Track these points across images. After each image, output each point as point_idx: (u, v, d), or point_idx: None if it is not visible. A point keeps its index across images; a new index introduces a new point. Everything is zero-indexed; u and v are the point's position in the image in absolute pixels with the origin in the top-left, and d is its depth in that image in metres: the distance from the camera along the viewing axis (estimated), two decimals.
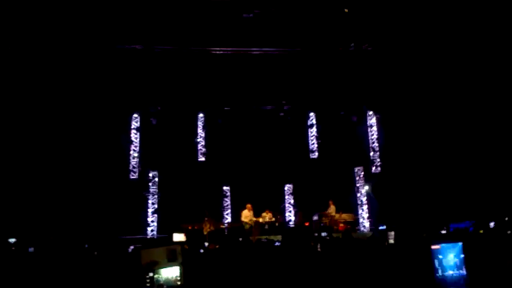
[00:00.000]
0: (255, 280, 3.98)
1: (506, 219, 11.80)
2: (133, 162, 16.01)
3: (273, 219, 14.93)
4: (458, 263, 3.08)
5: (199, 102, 16.41)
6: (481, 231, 9.81)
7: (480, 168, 15.01)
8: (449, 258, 3.18)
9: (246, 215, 14.47)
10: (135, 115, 16.33)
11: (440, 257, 3.13)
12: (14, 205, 13.25)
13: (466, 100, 14.96)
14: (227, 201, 16.44)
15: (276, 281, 4.04)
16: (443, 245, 3.20)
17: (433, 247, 3.16)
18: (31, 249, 8.70)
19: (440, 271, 3.05)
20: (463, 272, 3.00)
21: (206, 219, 13.85)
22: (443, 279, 3.26)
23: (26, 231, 12.00)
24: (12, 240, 10.49)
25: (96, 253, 7.68)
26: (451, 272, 3.05)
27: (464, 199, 14.49)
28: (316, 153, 17.06)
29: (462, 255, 3.05)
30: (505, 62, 14.19)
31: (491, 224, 11.56)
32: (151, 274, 3.83)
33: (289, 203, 16.72)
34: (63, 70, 14.26)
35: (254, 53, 15.35)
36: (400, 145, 16.15)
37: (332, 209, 15.06)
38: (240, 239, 10.71)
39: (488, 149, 15.08)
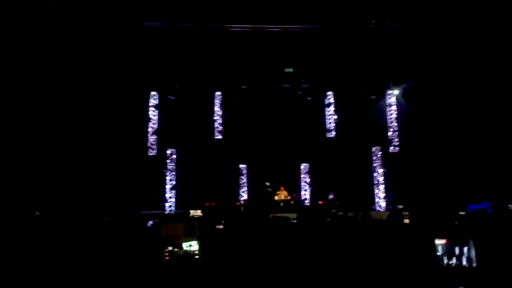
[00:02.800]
0: (270, 255, 4.04)
1: None
2: (152, 139, 16.22)
3: (289, 197, 15.09)
4: (467, 256, 2.97)
5: (217, 80, 16.36)
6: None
7: (499, 150, 14.73)
8: (457, 251, 3.07)
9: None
10: (153, 93, 16.42)
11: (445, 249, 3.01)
12: (39, 181, 13.67)
13: (487, 80, 14.56)
14: (243, 179, 16.58)
15: (290, 256, 4.10)
16: (449, 241, 3.06)
17: (437, 242, 3.01)
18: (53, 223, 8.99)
19: (445, 260, 2.95)
20: (473, 264, 2.89)
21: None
22: (448, 267, 3.17)
23: (49, 205, 12.43)
24: (36, 213, 10.90)
25: (116, 227, 7.90)
26: (451, 262, 2.93)
27: (483, 180, 14.30)
28: (334, 133, 16.92)
29: (470, 248, 2.92)
30: None
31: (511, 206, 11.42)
32: (170, 248, 3.94)
33: (305, 182, 16.78)
34: (83, 48, 14.36)
35: (272, 30, 15.12)
36: (419, 125, 15.89)
37: None
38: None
39: (509, 131, 14.75)
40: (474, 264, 2.96)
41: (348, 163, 16.19)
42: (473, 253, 3.00)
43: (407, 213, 10.58)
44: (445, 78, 15.05)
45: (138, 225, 7.56)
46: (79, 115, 14.75)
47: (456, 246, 3.24)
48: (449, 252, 3.30)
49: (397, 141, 16.67)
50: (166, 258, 3.92)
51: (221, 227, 10.06)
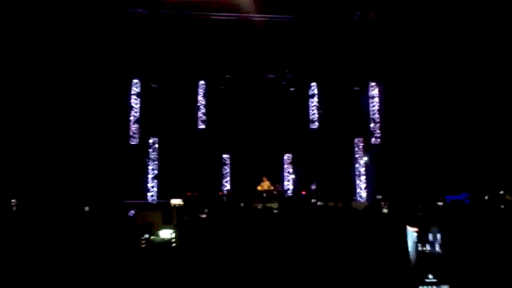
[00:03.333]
0: (249, 243, 4.07)
1: (501, 192, 11.96)
2: (134, 128, 16.05)
3: (271, 187, 15.17)
4: (434, 242, 3.07)
5: (200, 69, 16.21)
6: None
7: (479, 142, 15.04)
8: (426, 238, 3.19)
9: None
10: (136, 80, 16.19)
11: (415, 236, 3.12)
12: (18, 170, 13.42)
13: (467, 73, 14.80)
14: (226, 169, 16.58)
15: (269, 244, 4.12)
16: (419, 228, 3.19)
17: (409, 229, 3.12)
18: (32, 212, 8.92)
19: (419, 246, 3.05)
20: (439, 250, 2.99)
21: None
22: (416, 254, 3.29)
23: (28, 195, 12.24)
24: (13, 201, 10.72)
25: (96, 216, 7.85)
26: (425, 249, 3.05)
27: (461, 172, 14.60)
28: (317, 124, 17.00)
29: (439, 236, 3.02)
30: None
31: (486, 197, 11.73)
32: (147, 235, 3.93)
33: (288, 172, 16.86)
34: (64, 34, 14.00)
35: (257, 19, 14.99)
36: (400, 117, 16.09)
37: None
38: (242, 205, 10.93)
39: (488, 123, 15.06)
40: (440, 251, 3.06)
41: (330, 154, 16.31)
42: (439, 240, 3.10)
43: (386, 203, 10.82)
44: (426, 71, 15.24)
45: (119, 215, 7.53)
46: (59, 103, 14.45)
47: (429, 233, 3.36)
48: (422, 239, 3.44)
49: (378, 133, 16.86)
50: (143, 245, 3.91)
51: (204, 216, 10.09)
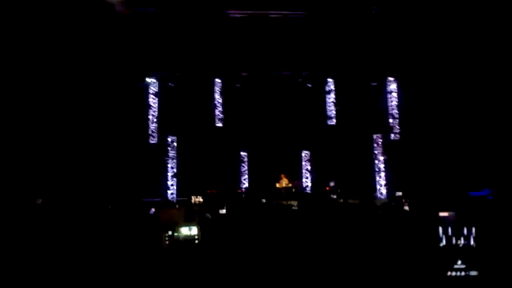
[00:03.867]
0: (269, 240, 4.08)
1: None
2: (152, 127, 16.24)
3: (290, 184, 15.15)
4: (466, 233, 2.99)
5: (216, 67, 16.27)
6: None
7: (500, 138, 14.71)
8: (458, 228, 3.09)
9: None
10: (153, 80, 16.37)
11: (447, 226, 3.03)
12: (41, 170, 13.73)
13: (487, 66, 14.47)
14: (244, 167, 16.63)
15: (289, 241, 4.13)
16: (452, 213, 3.09)
17: (441, 214, 3.04)
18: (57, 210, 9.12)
19: (444, 240, 2.98)
20: (472, 243, 2.92)
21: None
22: (448, 249, 3.19)
23: (52, 194, 12.52)
24: (39, 201, 10.99)
25: (119, 215, 7.98)
26: (458, 243, 2.96)
27: (484, 168, 14.30)
28: (334, 120, 16.88)
29: (473, 227, 2.94)
30: None
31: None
32: (170, 232, 3.99)
33: (306, 169, 16.81)
34: (81, 36, 14.22)
35: (273, 16, 14.96)
36: (420, 112, 15.85)
37: None
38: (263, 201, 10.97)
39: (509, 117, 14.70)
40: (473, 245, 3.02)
41: (348, 150, 16.18)
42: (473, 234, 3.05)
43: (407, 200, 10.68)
44: (445, 64, 14.96)
45: (141, 213, 7.64)
46: (80, 105, 14.71)
47: (464, 226, 3.26)
48: (456, 232, 3.30)
49: (398, 129, 16.64)
50: (166, 242, 3.97)
51: (224, 211, 10.16)
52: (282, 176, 15.51)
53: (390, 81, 16.85)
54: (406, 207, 10.85)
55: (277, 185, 15.21)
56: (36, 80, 14.10)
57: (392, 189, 15.66)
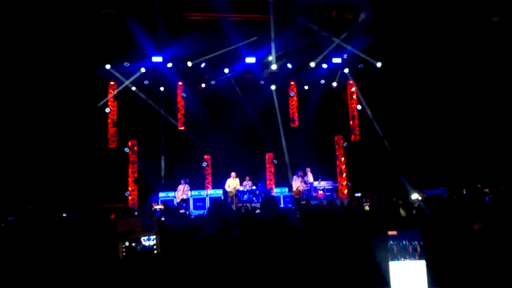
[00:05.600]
0: (231, 246, 3.99)
1: (479, 186, 12.24)
2: (112, 131, 15.81)
3: (254, 187, 15.10)
4: (414, 250, 3.05)
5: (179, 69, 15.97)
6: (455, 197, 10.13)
7: (455, 136, 15.39)
8: (406, 245, 3.14)
9: (229, 184, 14.64)
10: (112, 82, 15.91)
11: (394, 244, 3.09)
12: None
13: (443, 64, 15.10)
14: (208, 170, 16.49)
15: (251, 249, 4.04)
16: (400, 231, 3.14)
17: (389, 233, 3.09)
18: (11, 218, 8.65)
19: (395, 258, 3.02)
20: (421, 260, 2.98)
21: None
22: None
23: (5, 201, 11.86)
24: None
25: (75, 222, 7.65)
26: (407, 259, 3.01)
27: (439, 166, 14.91)
28: (297, 122, 17.12)
29: (421, 243, 3.00)
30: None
31: (464, 191, 11.98)
32: (127, 243, 3.82)
33: (270, 171, 16.90)
34: (41, 36, 13.51)
35: (230, 19, 14.83)
36: (378, 113, 16.33)
37: (310, 177, 15.30)
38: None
39: (464, 117, 15.41)
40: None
41: (311, 152, 16.41)
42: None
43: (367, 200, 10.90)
44: (401, 65, 15.45)
45: (98, 221, 7.34)
46: (37, 106, 14.02)
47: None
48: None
49: (357, 130, 17.07)
50: (123, 253, 3.81)
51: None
52: (246, 178, 15.24)
53: (350, 83, 17.26)
54: (367, 208, 11.09)
55: (241, 188, 14.92)
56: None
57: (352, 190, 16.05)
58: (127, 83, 15.44)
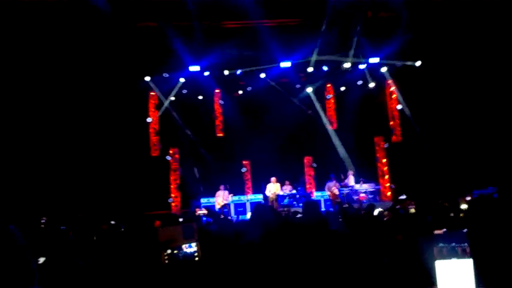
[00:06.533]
0: (272, 253, 4.00)
1: None
2: (154, 139, 16.33)
3: (294, 191, 15.06)
4: (461, 250, 2.96)
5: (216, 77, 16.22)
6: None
7: (502, 135, 14.64)
8: (453, 244, 3.06)
9: (270, 189, 14.68)
10: (152, 93, 16.43)
11: (440, 243, 3.02)
12: (43, 185, 13.73)
13: (488, 62, 14.43)
14: (247, 176, 16.64)
15: (292, 253, 4.03)
16: (446, 231, 3.06)
17: (435, 232, 3.03)
18: (63, 228, 9.08)
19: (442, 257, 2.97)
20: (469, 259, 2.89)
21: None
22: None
23: (55, 210, 12.49)
24: (43, 219, 10.95)
25: (122, 230, 7.93)
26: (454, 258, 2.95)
27: (487, 166, 14.22)
28: (335, 125, 16.92)
29: (467, 242, 2.93)
30: None
31: None
32: (169, 251, 3.95)
33: (309, 175, 16.79)
34: (83, 47, 14.11)
35: (266, 24, 14.91)
36: (420, 113, 15.82)
37: (351, 180, 15.05)
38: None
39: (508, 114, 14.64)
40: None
41: (350, 154, 16.18)
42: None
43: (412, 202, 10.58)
44: (444, 64, 14.92)
45: (144, 228, 7.57)
46: (82, 118, 14.72)
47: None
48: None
49: (399, 131, 16.60)
50: (166, 261, 3.94)
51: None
52: (286, 182, 15.21)
53: (389, 83, 16.83)
54: (412, 210, 10.76)
55: (281, 193, 14.92)
56: (35, 89, 14.02)
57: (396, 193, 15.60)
58: (170, 97, 15.86)
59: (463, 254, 2.88)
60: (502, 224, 4.58)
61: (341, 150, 16.47)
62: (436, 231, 3.42)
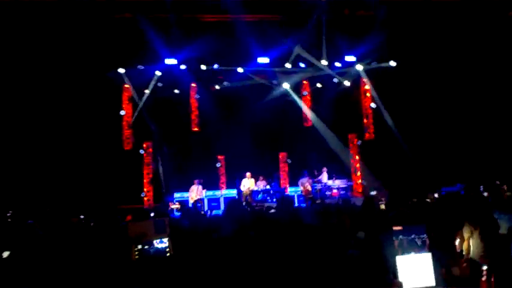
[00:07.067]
0: (245, 247, 4.01)
1: (498, 182, 12.02)
2: (127, 132, 16.04)
3: (268, 186, 15.14)
4: (421, 242, 3.11)
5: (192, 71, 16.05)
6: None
7: (472, 133, 15.14)
8: (411, 239, 3.21)
9: (244, 184, 14.71)
10: (126, 86, 16.11)
11: (400, 237, 3.15)
12: (10, 177, 13.31)
13: (458, 61, 14.87)
14: (222, 171, 16.59)
15: (265, 248, 4.06)
16: (405, 226, 3.22)
17: (394, 228, 3.17)
18: (30, 221, 8.84)
19: (400, 252, 3.09)
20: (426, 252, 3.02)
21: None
22: None
23: (22, 203, 12.13)
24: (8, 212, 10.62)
25: (91, 224, 7.79)
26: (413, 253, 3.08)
27: (455, 164, 14.70)
28: (310, 121, 17.05)
29: (425, 236, 3.07)
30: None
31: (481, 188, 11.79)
32: (140, 246, 3.90)
33: (284, 171, 16.89)
34: (55, 41, 13.75)
35: (247, 20, 14.81)
36: (392, 111, 16.16)
37: (325, 176, 15.25)
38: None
39: (479, 115, 15.16)
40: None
41: (324, 151, 16.35)
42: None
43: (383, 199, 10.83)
44: (415, 63, 15.27)
45: (114, 223, 7.45)
46: (53, 109, 14.32)
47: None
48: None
49: (371, 129, 16.90)
50: (136, 256, 3.88)
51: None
52: (260, 178, 15.26)
53: (364, 81, 17.08)
54: (383, 206, 11.01)
55: (255, 188, 14.99)
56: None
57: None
58: (147, 91, 15.59)
59: (423, 246, 3.01)
60: (464, 220, 4.77)
61: (314, 147, 16.61)
62: (395, 228, 3.55)
